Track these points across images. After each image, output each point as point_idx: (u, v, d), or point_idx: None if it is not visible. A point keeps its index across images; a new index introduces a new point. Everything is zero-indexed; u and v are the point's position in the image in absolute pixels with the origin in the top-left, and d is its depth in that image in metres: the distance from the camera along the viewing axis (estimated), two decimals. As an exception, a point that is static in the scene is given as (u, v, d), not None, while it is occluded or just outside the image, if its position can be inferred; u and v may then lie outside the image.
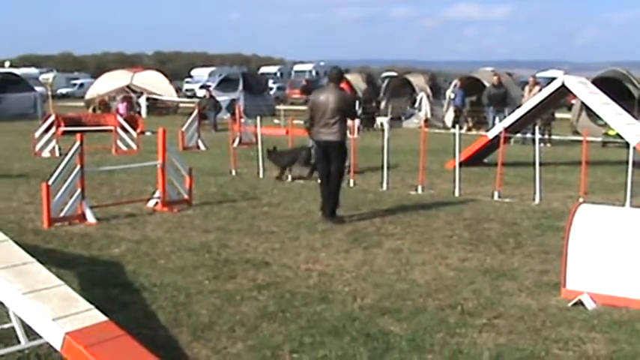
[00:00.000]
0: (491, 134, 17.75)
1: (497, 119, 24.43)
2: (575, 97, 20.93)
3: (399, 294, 7.64)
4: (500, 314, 7.00)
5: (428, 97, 32.77)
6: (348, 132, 12.31)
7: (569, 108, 31.40)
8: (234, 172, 16.47)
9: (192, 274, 8.30)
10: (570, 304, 7.25)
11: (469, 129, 28.83)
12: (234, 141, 20.21)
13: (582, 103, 21.68)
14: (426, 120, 28.24)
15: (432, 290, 7.77)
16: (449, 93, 32.28)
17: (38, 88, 41.78)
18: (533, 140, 14.59)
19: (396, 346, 6.18)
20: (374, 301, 7.40)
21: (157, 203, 12.22)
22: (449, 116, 31.63)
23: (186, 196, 12.54)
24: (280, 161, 15.92)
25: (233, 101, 35.99)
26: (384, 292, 7.71)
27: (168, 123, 24.73)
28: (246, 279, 8.14)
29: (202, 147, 22.85)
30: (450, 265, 8.80)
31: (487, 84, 29.39)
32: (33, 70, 71.73)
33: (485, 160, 18.01)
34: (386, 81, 37.88)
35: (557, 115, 27.14)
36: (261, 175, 16.05)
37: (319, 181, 11.91)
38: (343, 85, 30.96)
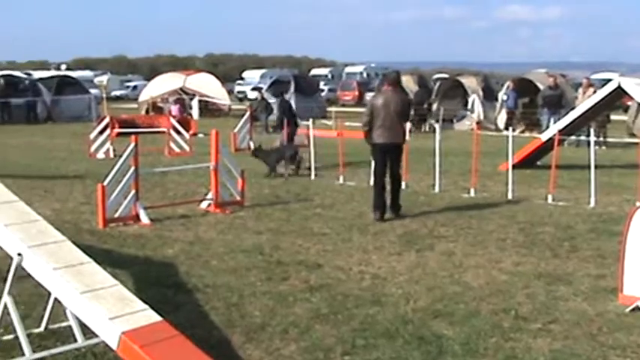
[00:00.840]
0: (545, 136, 17.55)
1: (552, 121, 24.14)
2: (631, 98, 20.60)
3: (452, 297, 7.59)
4: (556, 319, 6.91)
5: (480, 98, 32.53)
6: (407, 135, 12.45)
7: (626, 110, 30.89)
8: (286, 174, 16.51)
9: (245, 276, 8.34)
10: (628, 309, 7.13)
11: (522, 131, 28.53)
12: (285, 143, 20.23)
13: (639, 104, 21.34)
14: (478, 122, 28.03)
15: (486, 294, 7.70)
16: (501, 95, 32.00)
17: (93, 91, 42.42)
18: (588, 143, 14.39)
19: (449, 350, 6.14)
20: (427, 304, 7.36)
21: (209, 204, 12.31)
22: (501, 118, 31.35)
23: (238, 198, 12.61)
24: (267, 159, 16.42)
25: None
26: (437, 295, 7.67)
27: (220, 125, 24.88)
28: (298, 280, 8.16)
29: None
30: (503, 269, 8.72)
31: (540, 86, 29.10)
32: (88, 73, 72.69)
33: (539, 163, 17.81)
34: (438, 83, 37.69)
35: (613, 117, 26.71)
36: (313, 177, 16.08)
37: (372, 182, 12.05)
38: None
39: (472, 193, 13.94)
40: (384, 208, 11.71)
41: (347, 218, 11.72)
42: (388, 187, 11.93)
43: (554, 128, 17.38)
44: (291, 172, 16.41)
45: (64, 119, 36.37)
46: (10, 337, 6.11)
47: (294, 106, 30.98)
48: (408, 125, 19.25)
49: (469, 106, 32.90)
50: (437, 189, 14.38)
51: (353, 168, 16.34)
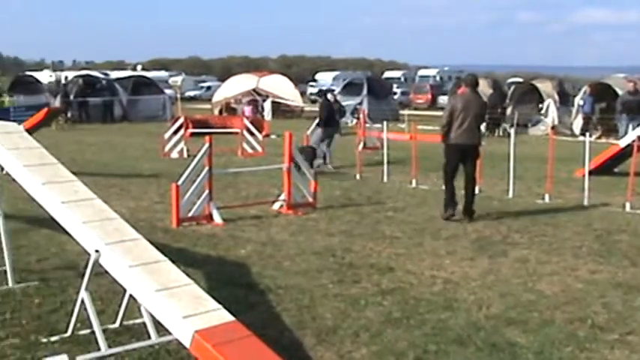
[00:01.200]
0: (623, 142, 17.19)
1: (630, 127, 23.61)
2: None
3: (526, 305, 7.48)
4: (633, 330, 6.75)
5: (555, 103, 32.04)
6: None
7: None
8: (358, 177, 16.50)
9: (317, 278, 8.35)
10: None
11: (599, 137, 28.04)
12: (358, 145, 20.24)
13: None
14: (554, 127, 27.63)
15: (560, 302, 7.57)
16: (578, 99, 31.48)
17: (167, 91, 43.03)
18: (669, 150, 14.04)
19: (523, 359, 6.05)
20: (500, 310, 7.27)
21: (282, 206, 12.36)
22: (577, 123, 30.84)
23: (311, 200, 12.64)
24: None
25: (357, 105, 36.14)
26: (510, 302, 7.56)
27: (292, 126, 25.03)
28: (370, 284, 8.14)
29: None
30: (579, 277, 8.55)
31: (619, 90, 28.50)
32: (163, 74, 73.74)
33: (616, 170, 17.45)
34: (512, 87, 37.24)
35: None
36: (385, 180, 16.03)
37: (444, 181, 12.14)
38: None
39: (547, 199, 13.73)
40: (454, 207, 11.92)
41: (419, 222, 11.65)
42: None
43: (633, 134, 17.00)
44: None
45: (139, 119, 36.96)
46: (87, 331, 6.23)
47: (366, 108, 31.08)
48: (482, 128, 19.18)
49: (543, 111, 32.43)
50: (511, 194, 14.20)
51: (425, 171, 16.24)
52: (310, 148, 17.61)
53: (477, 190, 13.82)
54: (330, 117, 19.05)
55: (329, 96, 19.54)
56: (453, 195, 11.97)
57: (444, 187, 12.20)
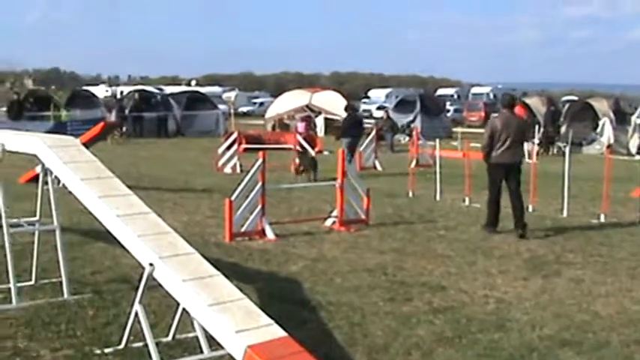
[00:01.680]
0: (680, 163, 16.92)
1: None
2: None
3: (580, 326, 7.38)
4: (691, 354, 6.62)
5: (611, 122, 31.65)
6: (527, 156, 12.54)
7: None
8: (411, 194, 16.45)
9: (368, 295, 8.33)
10: None
11: (656, 156, 27.62)
12: (411, 162, 20.20)
13: None
14: (609, 146, 27.28)
15: (616, 324, 7.45)
16: (635, 118, 31.04)
17: (221, 106, 43.42)
18: None
19: (578, 381, 5.97)
20: (553, 331, 7.18)
21: (334, 222, 12.37)
22: (634, 143, 30.42)
23: (363, 217, 12.62)
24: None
25: (410, 123, 36.08)
26: (564, 322, 7.47)
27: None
28: (421, 302, 8.09)
29: (379, 168, 23.00)
30: (634, 299, 8.41)
31: (677, 109, 28.10)
32: (216, 89, 74.48)
33: (674, 190, 17.16)
34: (567, 105, 36.90)
35: None
36: (437, 198, 15.96)
37: (488, 200, 12.41)
38: (520, 108, 30.71)
39: (602, 218, 13.54)
40: (496, 224, 12.25)
41: (471, 240, 11.57)
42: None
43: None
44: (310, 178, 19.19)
45: (193, 134, 37.32)
46: (140, 344, 6.29)
47: (419, 125, 31.01)
48: (536, 146, 19.08)
49: (599, 130, 32.04)
50: (565, 214, 14.03)
51: (478, 189, 16.09)
52: (311, 157, 20.29)
53: (530, 209, 13.76)
54: (350, 127, 21.47)
55: (356, 109, 22.72)
56: (496, 214, 12.28)
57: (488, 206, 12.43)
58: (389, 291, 8.50)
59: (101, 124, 20.48)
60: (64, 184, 7.29)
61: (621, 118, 32.07)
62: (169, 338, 6.54)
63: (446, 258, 10.32)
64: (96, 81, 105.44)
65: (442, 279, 9.14)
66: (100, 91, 57.46)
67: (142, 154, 26.86)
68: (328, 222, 12.48)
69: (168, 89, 55.42)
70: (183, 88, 61.96)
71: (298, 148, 22.39)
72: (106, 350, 6.32)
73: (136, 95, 39.24)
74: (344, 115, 37.91)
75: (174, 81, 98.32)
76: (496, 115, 13.23)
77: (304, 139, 24.02)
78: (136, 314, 6.13)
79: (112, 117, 35.37)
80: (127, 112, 36.95)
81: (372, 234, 11.90)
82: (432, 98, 48.83)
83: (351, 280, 8.99)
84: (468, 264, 9.98)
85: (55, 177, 7.65)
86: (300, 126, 34.76)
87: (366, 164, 22.84)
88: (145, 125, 37.31)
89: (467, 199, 15.27)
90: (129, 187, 7.10)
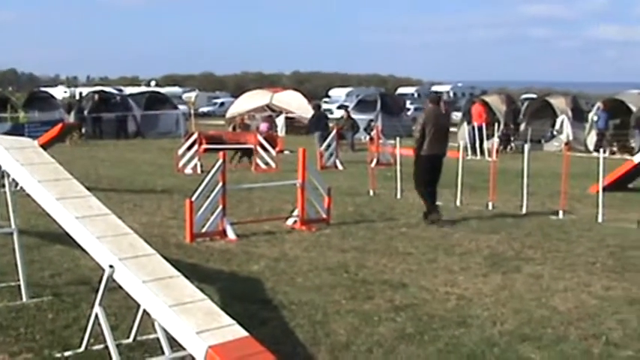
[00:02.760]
0: (637, 158, 17.15)
1: (644, 143, 23.57)
2: None
3: (540, 321, 7.45)
4: (648, 346, 6.72)
5: (569, 119, 31.97)
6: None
7: None
8: (371, 193, 16.50)
9: (330, 294, 8.34)
10: None
11: (612, 153, 27.95)
12: (371, 161, 20.26)
13: None
14: (567, 143, 27.57)
15: (574, 318, 7.54)
16: (591, 116, 31.40)
17: (181, 107, 43.19)
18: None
19: (537, 375, 6.03)
20: (513, 327, 7.25)
21: (295, 222, 12.37)
22: (591, 139, 30.77)
23: (324, 216, 12.65)
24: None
25: (370, 122, 36.14)
26: (524, 318, 7.54)
27: (306, 142, 25.06)
28: (383, 300, 8.13)
29: (340, 167, 23.04)
30: (592, 293, 8.52)
31: (632, 106, 28.46)
32: (176, 89, 74.10)
33: (630, 186, 17.41)
34: (526, 103, 37.19)
35: None
36: (398, 196, 16.02)
37: (419, 191, 13.24)
38: (477, 106, 31.02)
39: (560, 215, 13.69)
40: (438, 211, 12.96)
41: (432, 238, 11.64)
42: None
43: (646, 150, 16.99)
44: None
45: (153, 135, 37.07)
46: (100, 347, 6.25)
47: (379, 124, 31.10)
48: (495, 144, 19.30)
49: (557, 127, 32.35)
50: (524, 210, 14.17)
51: (439, 188, 16.17)
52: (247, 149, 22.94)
53: (490, 207, 13.93)
54: (318, 122, 26.81)
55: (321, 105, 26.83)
56: (433, 202, 13.04)
57: (421, 198, 13.19)
58: (350, 289, 8.52)
59: (59, 125, 20.27)
60: (21, 187, 7.21)
61: (579, 116, 32.40)
62: (130, 340, 6.50)
63: (407, 255, 10.37)
64: (54, 82, 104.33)
65: (403, 276, 9.18)
66: (59, 93, 56.97)
67: (101, 155, 26.64)
68: (289, 221, 12.48)
69: (128, 90, 55.05)
70: (143, 88, 61.54)
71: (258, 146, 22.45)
72: (66, 353, 6.27)
73: (95, 96, 38.82)
74: (304, 114, 38.36)
75: (134, 82, 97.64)
76: (424, 111, 14.01)
77: (265, 138, 23.97)
78: (96, 316, 6.09)
79: (71, 118, 35.02)
80: (85, 113, 36.56)
81: (334, 233, 11.92)
82: (392, 97, 48.92)
83: (312, 279, 9.00)
84: (428, 261, 10.03)
85: (13, 179, 7.57)
86: (263, 126, 34.75)
87: (327, 163, 22.88)
88: (105, 126, 36.95)
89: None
90: (88, 188, 7.05)
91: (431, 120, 12.91)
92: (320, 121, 27.14)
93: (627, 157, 21.41)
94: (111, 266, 5.93)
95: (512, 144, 30.71)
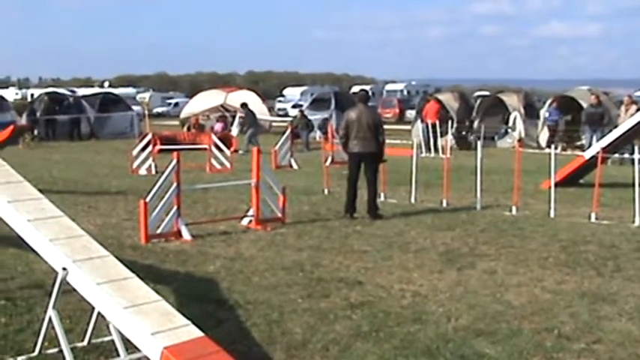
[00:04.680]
0: (588, 154, 17.40)
1: (594, 139, 23.91)
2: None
3: (494, 316, 7.54)
4: (600, 339, 6.83)
5: (521, 116, 32.31)
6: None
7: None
8: (326, 191, 16.53)
9: (286, 292, 8.35)
10: (673, 329, 7.04)
11: (564, 149, 28.30)
12: (326, 160, 20.27)
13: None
14: (520, 139, 27.85)
15: (528, 313, 7.64)
16: (543, 112, 31.77)
17: (135, 108, 42.81)
18: (632, 161, 14.25)
19: (492, 369, 6.10)
20: (468, 322, 7.32)
21: (250, 221, 12.36)
22: (543, 136, 31.12)
23: (279, 215, 12.65)
24: None
25: (325, 120, 36.18)
26: (479, 313, 7.62)
27: (261, 142, 25.07)
28: (339, 298, 8.16)
29: (295, 166, 23.04)
30: (545, 288, 8.64)
31: (583, 103, 28.86)
32: (130, 90, 73.56)
33: (582, 181, 17.65)
34: (479, 100, 37.51)
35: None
36: (353, 194, 16.03)
37: (347, 188, 13.42)
38: (432, 104, 31.17)
39: (514, 211, 13.84)
40: (353, 209, 13.24)
41: (387, 236, 11.70)
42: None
43: (597, 146, 17.23)
44: None
45: (107, 136, 36.74)
46: (55, 350, 6.19)
47: (334, 123, 31.17)
48: (450, 142, 19.42)
49: (510, 124, 32.68)
50: (478, 207, 14.30)
51: (394, 185, 16.31)
52: None
53: (444, 204, 14.05)
54: (251, 120, 29.11)
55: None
56: (352, 201, 13.26)
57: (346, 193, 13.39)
58: (306, 288, 8.54)
59: (11, 127, 20.04)
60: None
61: (531, 113, 32.74)
62: (85, 343, 6.45)
63: (362, 253, 10.42)
64: (5, 83, 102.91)
65: (359, 274, 9.22)
66: (10, 94, 56.27)
67: (54, 157, 26.34)
68: (245, 221, 12.47)
69: (81, 91, 54.56)
70: (97, 89, 61.00)
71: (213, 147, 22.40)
72: (19, 358, 6.20)
73: (47, 98, 38.38)
74: (259, 114, 38.98)
75: (87, 82, 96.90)
76: (351, 108, 13.84)
77: (219, 138, 23.89)
78: (50, 320, 6.03)
79: (23, 120, 34.60)
80: (38, 114, 36.17)
81: (289, 232, 11.94)
82: (346, 96, 48.96)
83: (268, 278, 9.01)
84: (384, 259, 10.09)
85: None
86: (218, 126, 34.64)
87: (282, 163, 22.86)
88: (58, 128, 36.51)
89: (382, 195, 15.39)
90: (41, 191, 6.98)
91: (355, 118, 13.09)
92: (252, 120, 29.51)
93: (578, 152, 21.66)
94: (64, 269, 5.88)
95: (467, 141, 30.92)
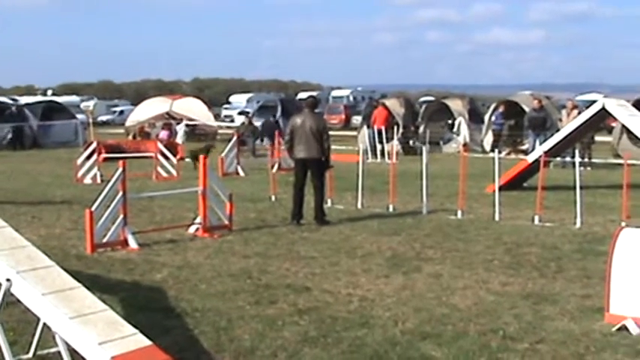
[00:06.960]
0: (531, 158, 17.68)
1: (537, 143, 24.26)
2: (615, 119, 20.78)
3: (440, 319, 7.63)
4: (543, 339, 6.96)
5: (466, 121, 32.65)
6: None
7: (610, 131, 31.12)
8: (273, 198, 16.53)
9: (234, 300, 8.36)
10: (614, 329, 7.19)
11: (508, 153, 28.66)
12: (273, 167, 20.32)
13: (623, 125, 21.53)
14: (465, 144, 28.16)
15: (473, 315, 7.75)
16: (488, 117, 32.14)
17: (79, 116, 42.34)
18: (574, 164, 14.51)
19: (438, 371, 6.17)
20: (415, 325, 7.40)
21: (197, 229, 12.32)
22: (487, 140, 31.49)
23: (226, 222, 12.64)
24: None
25: (272, 127, 36.15)
26: (425, 316, 7.71)
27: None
28: (287, 304, 8.18)
29: (241, 173, 23.00)
30: (490, 290, 8.77)
31: (526, 108, 29.25)
32: (74, 98, 72.53)
33: (525, 184, 17.91)
34: (424, 106, 37.82)
35: (598, 138, 26.93)
36: (300, 201, 16.07)
37: (293, 194, 13.47)
38: (381, 110, 31.29)
39: (459, 215, 14.00)
40: (300, 216, 13.31)
41: (334, 241, 11.76)
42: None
43: (539, 150, 17.51)
44: None
45: (50, 145, 36.27)
46: (-1, 363, 6.11)
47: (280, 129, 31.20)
48: (395, 147, 19.57)
49: (455, 129, 33.01)
50: (424, 211, 14.43)
51: (340, 191, 16.39)
52: None
53: (391, 209, 14.17)
54: None
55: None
56: (299, 206, 13.34)
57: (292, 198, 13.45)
58: (254, 294, 8.55)
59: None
60: None
61: (476, 117, 33.12)
62: (30, 355, 6.37)
63: (310, 259, 10.46)
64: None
65: (306, 280, 9.26)
66: (-51, 104, 55.07)
67: (-4, 167, 25.93)
68: (192, 229, 12.43)
69: (23, 99, 53.62)
70: (39, 97, 60.13)
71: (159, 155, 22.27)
72: (-37, 371, 6.12)
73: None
74: (205, 121, 39.01)
75: (29, 91, 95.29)
76: (296, 114, 14.14)
77: (165, 146, 23.76)
78: (-6, 332, 5.96)
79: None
80: (-22, 124, 35.61)
81: (236, 239, 11.93)
82: (293, 102, 49.05)
83: (215, 285, 9.00)
84: (331, 264, 10.14)
85: None
86: (163, 133, 34.45)
87: (229, 170, 22.80)
88: (-1, 137, 36.01)
89: (329, 201, 15.45)
90: (-18, 201, 6.89)
91: (299, 124, 13.18)
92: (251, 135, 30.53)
93: (522, 156, 21.97)
94: (8, 280, 5.82)
95: (413, 146, 31.14)
